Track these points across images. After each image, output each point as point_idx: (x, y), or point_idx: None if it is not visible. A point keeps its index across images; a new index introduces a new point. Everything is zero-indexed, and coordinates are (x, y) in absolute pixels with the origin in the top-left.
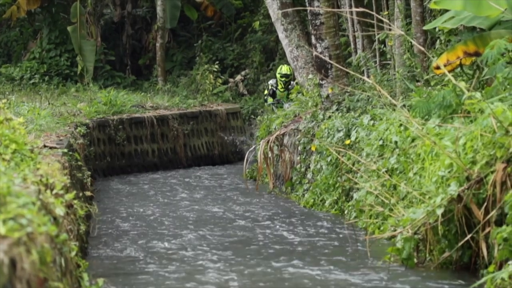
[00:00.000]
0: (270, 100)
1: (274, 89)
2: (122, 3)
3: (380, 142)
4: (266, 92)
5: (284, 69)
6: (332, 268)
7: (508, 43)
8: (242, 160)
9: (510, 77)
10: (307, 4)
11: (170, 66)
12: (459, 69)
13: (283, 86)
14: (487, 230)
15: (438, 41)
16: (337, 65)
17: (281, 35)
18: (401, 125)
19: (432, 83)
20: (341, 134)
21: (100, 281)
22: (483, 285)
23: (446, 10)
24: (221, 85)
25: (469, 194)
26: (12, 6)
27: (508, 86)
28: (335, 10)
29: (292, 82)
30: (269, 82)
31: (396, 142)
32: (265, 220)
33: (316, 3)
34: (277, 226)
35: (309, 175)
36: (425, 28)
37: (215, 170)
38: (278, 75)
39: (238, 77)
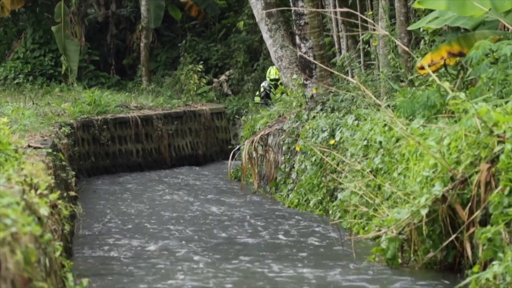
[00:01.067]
0: (257, 99)
1: (268, 91)
2: (106, 3)
3: (365, 142)
4: (257, 93)
5: (273, 72)
6: (317, 269)
7: (492, 44)
8: (226, 160)
9: (494, 77)
10: (291, 4)
11: (154, 66)
12: (443, 69)
13: (274, 88)
14: (471, 230)
15: (422, 42)
16: (322, 65)
17: (266, 35)
18: (385, 125)
19: (416, 84)
20: (325, 134)
21: (85, 281)
22: (468, 286)
23: (431, 10)
24: (206, 85)
25: (453, 194)
26: None
27: (492, 87)
28: (319, 10)
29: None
30: (262, 85)
31: (380, 142)
32: (250, 220)
33: (300, 3)
34: (261, 226)
35: (293, 175)
36: (409, 28)
37: (200, 170)
38: (268, 80)
39: (223, 77)
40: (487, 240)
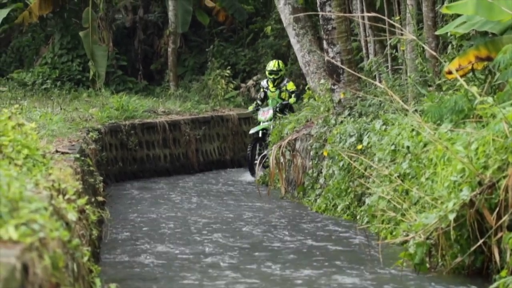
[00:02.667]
0: (250, 107)
1: (266, 90)
2: (134, 8)
3: (392, 147)
4: (258, 96)
5: (271, 64)
6: (345, 273)
7: None
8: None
9: None
10: (318, 9)
11: (182, 71)
12: (471, 74)
13: (273, 85)
14: (499, 235)
15: (450, 46)
16: (349, 70)
17: (293, 40)
18: (413, 130)
19: (444, 88)
20: (353, 139)
21: (113, 286)
22: None
23: (458, 15)
24: (233, 90)
25: (481, 199)
26: (24, 11)
27: None
28: (347, 15)
29: (284, 80)
30: (261, 84)
31: (408, 147)
32: (277, 226)
33: (328, 8)
34: (289, 231)
35: (321, 180)
36: (437, 33)
37: (227, 175)
38: (267, 73)
39: (250, 82)
40: None
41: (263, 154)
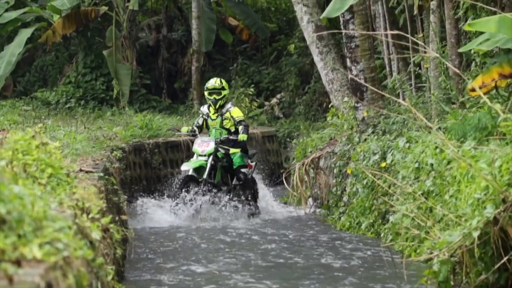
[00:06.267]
0: (184, 129)
1: (206, 117)
2: (158, 27)
3: (416, 165)
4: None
5: (212, 81)
6: None
7: None
8: (278, 184)
9: None
10: (342, 27)
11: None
12: (494, 91)
13: (214, 109)
14: None
15: (473, 63)
16: (372, 87)
17: (316, 58)
18: (436, 147)
19: (467, 106)
20: (376, 157)
21: None
22: None
23: (481, 32)
24: (257, 108)
25: (505, 216)
26: (47, 30)
27: None
28: (370, 32)
29: (228, 104)
30: (200, 110)
31: (432, 165)
32: (301, 243)
33: (351, 26)
34: (313, 249)
35: (345, 198)
36: (460, 50)
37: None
38: (205, 93)
39: (274, 100)
40: None
41: (287, 172)
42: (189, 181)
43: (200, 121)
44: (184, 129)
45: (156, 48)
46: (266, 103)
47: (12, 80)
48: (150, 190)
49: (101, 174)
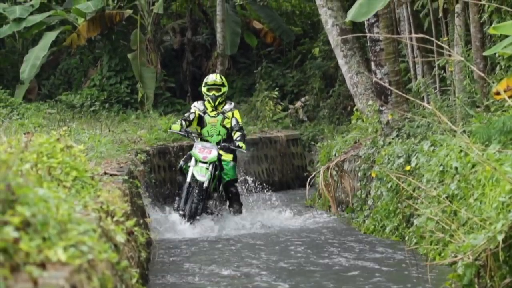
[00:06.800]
0: (174, 127)
1: (202, 114)
2: (182, 30)
3: (441, 168)
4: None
5: (213, 76)
6: None
7: None
8: (302, 187)
9: None
10: (366, 31)
11: (230, 93)
12: None
13: (213, 107)
14: None
15: (498, 67)
16: (397, 91)
17: (341, 62)
18: (461, 151)
19: (492, 109)
20: (401, 160)
21: None
22: None
23: (506, 36)
24: (281, 111)
25: None
26: (72, 33)
27: None
28: (395, 36)
29: (230, 104)
30: (193, 105)
31: (456, 168)
32: (326, 247)
33: (375, 29)
34: (338, 253)
35: (369, 201)
36: (485, 53)
37: (276, 196)
38: (204, 89)
39: (298, 104)
40: None
41: (312, 175)
42: (192, 191)
43: (192, 116)
44: (176, 127)
45: (181, 52)
46: (291, 106)
47: (37, 83)
48: (174, 193)
49: (126, 177)
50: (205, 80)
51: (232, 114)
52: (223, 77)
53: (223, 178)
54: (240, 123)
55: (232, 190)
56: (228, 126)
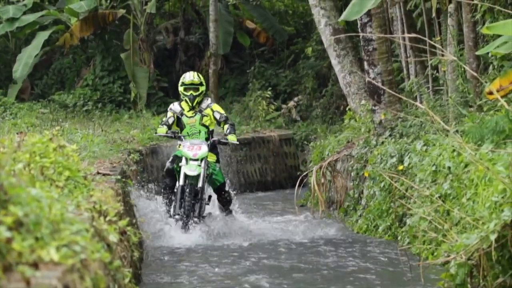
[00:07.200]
0: (161, 130)
1: (179, 115)
2: (175, 30)
3: (433, 168)
4: (162, 120)
5: (191, 75)
6: None
7: None
8: (295, 186)
9: None
10: (359, 30)
11: (223, 93)
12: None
13: (190, 106)
14: None
15: (491, 67)
16: (390, 91)
17: (334, 61)
18: (454, 150)
19: (485, 109)
20: (394, 160)
21: None
22: None
23: (499, 35)
24: (274, 111)
25: None
26: (65, 33)
27: None
28: (388, 36)
29: (207, 100)
30: (169, 108)
31: (449, 168)
32: (318, 246)
33: (368, 29)
34: (331, 252)
35: (362, 201)
36: (478, 53)
37: (268, 196)
38: (181, 88)
39: (291, 103)
40: None
41: (303, 175)
42: (184, 192)
43: (171, 120)
44: (162, 130)
45: (174, 51)
46: (284, 106)
47: (30, 83)
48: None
49: (118, 177)
50: (181, 80)
51: (212, 109)
52: (200, 76)
53: (215, 183)
54: (224, 113)
55: (226, 196)
56: (208, 123)
